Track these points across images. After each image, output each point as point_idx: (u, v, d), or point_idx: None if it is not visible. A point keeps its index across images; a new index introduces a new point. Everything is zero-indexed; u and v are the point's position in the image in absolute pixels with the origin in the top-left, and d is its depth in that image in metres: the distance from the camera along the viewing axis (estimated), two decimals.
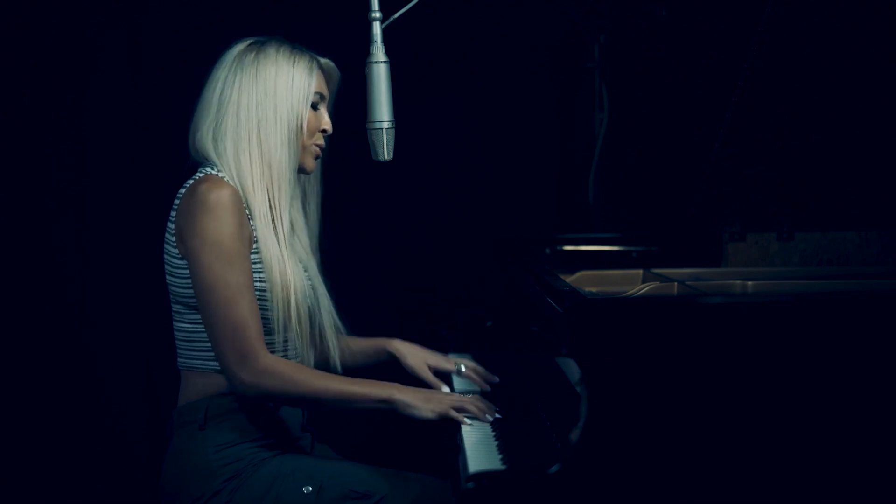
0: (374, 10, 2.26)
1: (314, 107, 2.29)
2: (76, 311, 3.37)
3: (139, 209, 3.40)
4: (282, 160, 2.24)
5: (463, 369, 2.47)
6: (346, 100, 2.40)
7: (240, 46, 2.28)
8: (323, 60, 2.33)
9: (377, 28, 2.27)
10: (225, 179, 2.20)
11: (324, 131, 2.32)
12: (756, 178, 2.56)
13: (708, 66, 3.23)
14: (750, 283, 2.38)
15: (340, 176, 2.59)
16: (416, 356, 2.48)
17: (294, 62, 2.26)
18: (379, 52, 2.27)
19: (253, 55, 2.25)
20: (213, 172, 2.22)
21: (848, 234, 2.70)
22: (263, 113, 2.23)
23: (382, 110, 2.27)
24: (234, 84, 2.24)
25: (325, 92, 2.32)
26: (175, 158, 2.51)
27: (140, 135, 3.38)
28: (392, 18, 2.28)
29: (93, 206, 3.38)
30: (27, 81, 3.27)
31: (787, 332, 1.83)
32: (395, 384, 2.23)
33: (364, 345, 2.51)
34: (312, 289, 2.32)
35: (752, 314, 1.85)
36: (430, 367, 2.47)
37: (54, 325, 3.35)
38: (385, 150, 2.28)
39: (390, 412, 2.15)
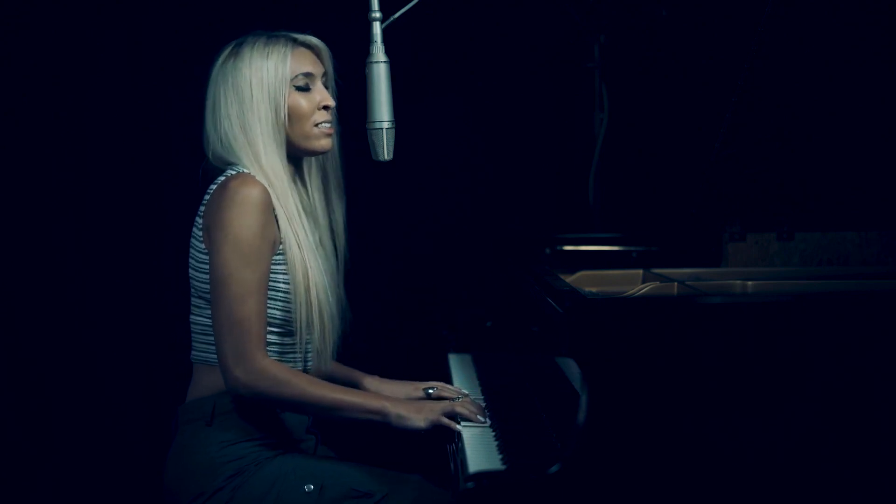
0: (374, 10, 2.26)
1: (303, 88, 2.28)
2: (76, 310, 3.37)
3: (139, 209, 3.40)
4: (269, 160, 2.24)
5: (433, 394, 2.45)
6: (347, 100, 2.40)
7: (222, 56, 2.29)
8: (300, 38, 2.31)
9: (377, 28, 2.27)
10: (256, 178, 2.21)
11: (325, 108, 2.31)
12: (756, 178, 2.56)
13: (708, 66, 3.23)
14: (750, 283, 2.38)
15: (343, 166, 2.60)
16: (385, 391, 2.46)
17: (267, 54, 2.25)
18: (379, 52, 2.27)
19: (231, 63, 2.26)
20: (244, 170, 2.23)
21: (848, 234, 2.70)
22: (245, 118, 2.24)
23: (382, 110, 2.27)
24: (221, 98, 2.26)
25: (312, 69, 2.29)
26: (175, 158, 2.52)
27: (140, 135, 3.38)
28: (392, 18, 2.28)
29: (93, 206, 3.38)
30: (27, 81, 3.27)
31: (787, 332, 1.83)
32: (388, 397, 2.24)
33: (339, 373, 2.48)
34: (333, 286, 2.32)
35: (752, 314, 1.85)
36: None
37: (54, 325, 3.35)
38: (385, 150, 2.28)
39: (383, 425, 2.16)
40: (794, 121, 2.44)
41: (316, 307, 2.24)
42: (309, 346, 2.26)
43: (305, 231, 2.27)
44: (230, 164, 2.27)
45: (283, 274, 2.23)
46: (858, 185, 2.57)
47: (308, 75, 2.28)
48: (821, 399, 1.82)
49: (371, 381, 2.49)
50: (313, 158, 2.37)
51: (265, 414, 2.25)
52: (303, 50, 2.30)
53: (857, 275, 2.58)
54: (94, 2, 3.29)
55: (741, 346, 1.82)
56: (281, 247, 2.23)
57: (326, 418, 2.23)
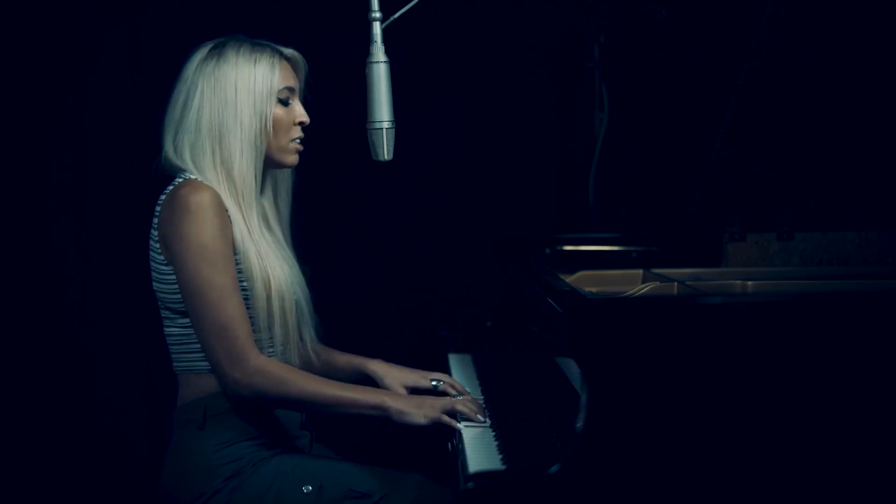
0: (374, 10, 2.26)
1: (284, 102, 2.28)
2: (76, 311, 3.37)
3: (139, 209, 3.37)
4: (241, 167, 2.23)
5: (439, 386, 2.44)
6: (347, 100, 2.40)
7: (200, 54, 2.27)
8: (286, 52, 2.31)
9: (377, 28, 2.27)
10: (204, 183, 2.20)
11: (300, 123, 2.31)
12: (756, 178, 2.56)
13: (708, 66, 3.23)
14: (750, 283, 2.38)
15: (340, 176, 2.59)
16: (392, 377, 2.44)
17: (255, 61, 2.24)
18: (379, 52, 2.27)
19: (214, 62, 2.24)
20: (192, 177, 2.22)
21: (848, 234, 2.70)
22: (224, 121, 2.22)
23: (382, 110, 2.27)
24: (196, 95, 2.24)
25: (294, 84, 2.30)
26: None
27: (140, 135, 3.37)
28: (392, 18, 2.28)
29: (93, 207, 3.38)
30: (27, 81, 3.27)
31: (787, 332, 1.83)
32: (388, 391, 2.24)
33: (342, 361, 2.48)
34: (298, 287, 2.32)
35: (752, 314, 1.85)
36: (407, 388, 2.42)
37: (54, 325, 3.35)
38: (385, 150, 2.28)
39: (383, 419, 2.15)
40: (794, 121, 2.44)
41: (278, 314, 2.23)
42: (273, 340, 2.25)
43: (266, 240, 2.26)
44: (178, 170, 2.25)
45: (239, 274, 2.21)
46: (858, 185, 2.57)
47: (291, 90, 2.29)
48: (821, 399, 1.82)
49: (377, 365, 2.47)
50: (268, 170, 2.35)
51: (258, 413, 2.25)
52: (286, 63, 2.30)
53: (857, 275, 2.58)
54: (94, 2, 3.29)
55: (741, 346, 1.82)
56: (236, 250, 2.20)
57: (326, 415, 2.22)
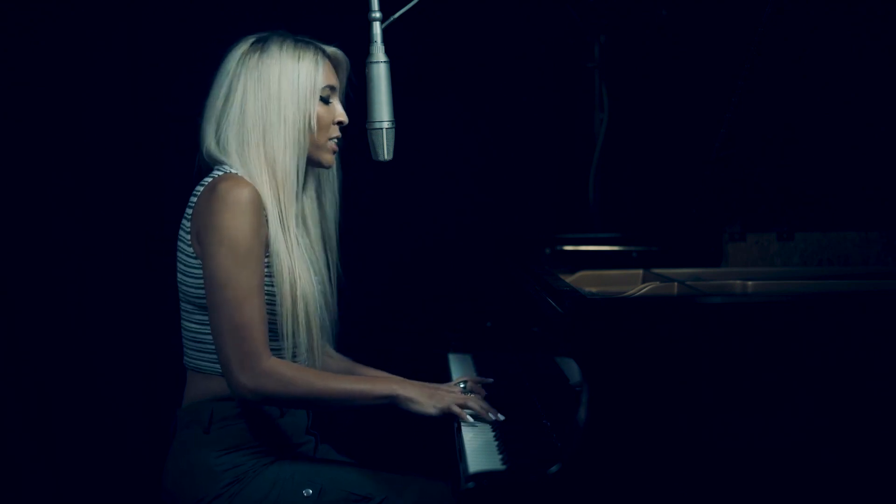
0: (374, 10, 2.26)
1: (325, 101, 2.26)
2: (76, 311, 3.37)
3: (139, 209, 3.40)
4: (285, 164, 2.21)
5: (467, 386, 2.41)
6: (346, 100, 2.40)
7: (243, 47, 2.25)
8: (329, 50, 2.30)
9: (377, 28, 2.27)
10: (245, 178, 2.18)
11: (339, 123, 2.30)
12: (756, 178, 2.56)
13: (708, 66, 3.23)
14: (750, 283, 2.38)
15: (340, 176, 2.59)
16: None
17: (299, 58, 2.23)
18: (379, 52, 2.27)
19: (256, 56, 2.22)
20: (232, 171, 2.21)
21: (848, 233, 2.70)
22: (268, 117, 2.20)
23: (382, 110, 2.27)
24: (238, 89, 2.22)
25: (335, 83, 2.29)
26: (175, 158, 2.52)
27: (140, 135, 3.38)
28: (392, 18, 2.28)
29: (93, 206, 3.38)
30: (27, 81, 3.27)
31: (787, 332, 1.83)
32: (397, 378, 2.22)
33: (369, 374, 2.45)
34: (323, 293, 2.31)
35: (752, 314, 1.85)
36: None
37: (54, 325, 3.35)
38: (385, 150, 2.28)
39: (392, 406, 2.14)
40: (795, 120, 2.44)
41: (303, 319, 2.21)
42: (297, 350, 2.23)
43: (299, 241, 2.25)
44: (219, 164, 2.23)
45: (268, 277, 2.20)
46: (859, 184, 2.57)
47: (332, 88, 2.28)
48: (821, 399, 1.82)
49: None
50: (309, 168, 2.35)
51: (264, 420, 2.24)
52: (328, 62, 2.29)
53: (858, 275, 2.58)
54: (94, 1, 3.29)
55: (741, 346, 1.82)
56: (268, 250, 2.19)
57: (336, 411, 2.21)
